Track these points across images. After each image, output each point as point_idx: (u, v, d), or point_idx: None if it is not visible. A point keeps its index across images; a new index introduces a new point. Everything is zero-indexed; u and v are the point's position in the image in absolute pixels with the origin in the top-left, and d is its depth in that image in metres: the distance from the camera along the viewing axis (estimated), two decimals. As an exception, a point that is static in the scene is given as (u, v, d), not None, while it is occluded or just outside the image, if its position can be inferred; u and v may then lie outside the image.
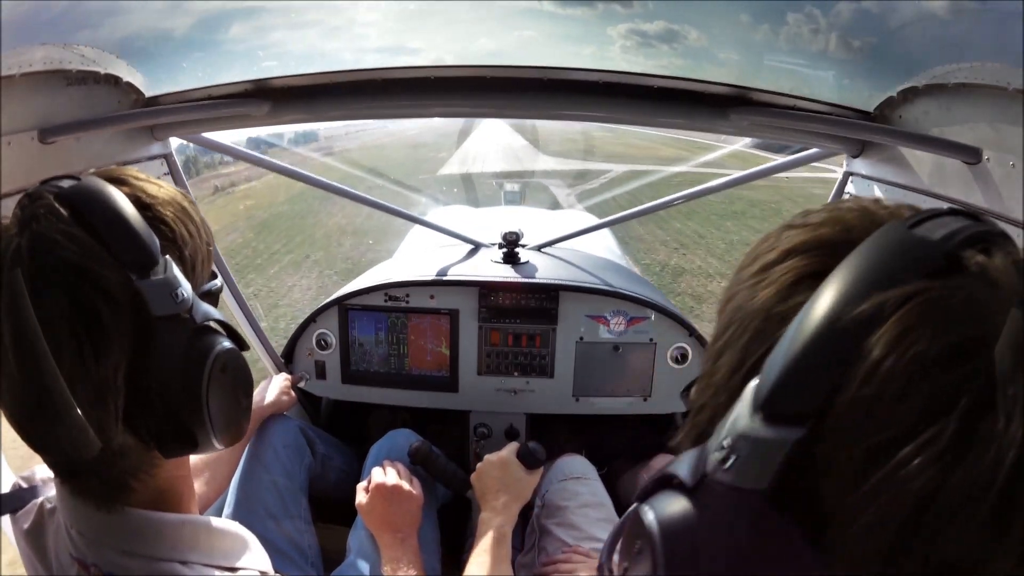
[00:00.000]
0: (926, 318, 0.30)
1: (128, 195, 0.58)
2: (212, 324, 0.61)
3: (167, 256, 0.57)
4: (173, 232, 0.61)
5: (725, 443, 0.35)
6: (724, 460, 0.34)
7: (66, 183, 0.56)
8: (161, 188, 0.63)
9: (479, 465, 1.30)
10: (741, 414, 0.34)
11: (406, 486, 1.27)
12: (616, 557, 0.43)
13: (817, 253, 0.37)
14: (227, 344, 0.61)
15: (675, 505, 0.37)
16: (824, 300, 0.33)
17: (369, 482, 1.27)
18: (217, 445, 0.61)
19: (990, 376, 0.28)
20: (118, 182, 0.59)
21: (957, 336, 0.29)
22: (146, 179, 0.62)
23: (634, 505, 0.40)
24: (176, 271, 0.57)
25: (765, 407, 0.33)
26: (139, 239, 0.55)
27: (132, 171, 0.63)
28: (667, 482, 0.39)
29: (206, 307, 0.61)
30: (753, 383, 0.35)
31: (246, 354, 0.66)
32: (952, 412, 0.28)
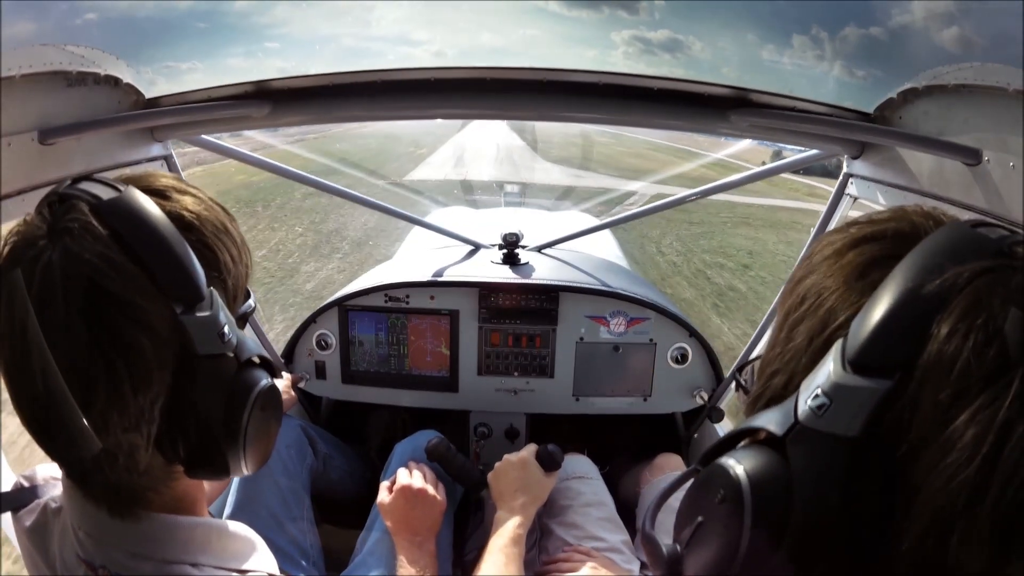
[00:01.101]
0: (993, 289, 0.35)
1: (169, 212, 0.55)
2: (254, 358, 0.60)
3: (212, 289, 0.55)
4: (217, 260, 0.58)
5: (818, 392, 0.38)
6: (819, 408, 0.38)
7: (101, 191, 0.52)
8: (202, 202, 0.60)
9: (498, 465, 1.30)
10: (830, 369, 0.38)
11: (431, 491, 1.26)
12: (675, 517, 0.47)
13: (887, 241, 0.43)
14: (267, 381, 0.60)
15: (762, 455, 0.41)
16: (905, 273, 0.38)
17: (393, 482, 1.27)
18: (246, 472, 0.61)
19: None
20: (157, 194, 0.56)
21: (1018, 303, 0.34)
22: (186, 189, 0.59)
23: (694, 467, 0.46)
24: (221, 307, 0.56)
25: (856, 361, 0.37)
26: (184, 270, 0.52)
27: (169, 179, 0.60)
28: (741, 437, 0.44)
29: (248, 343, 0.59)
30: (838, 343, 0.39)
31: None
32: (1018, 369, 0.33)
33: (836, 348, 0.39)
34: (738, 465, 0.41)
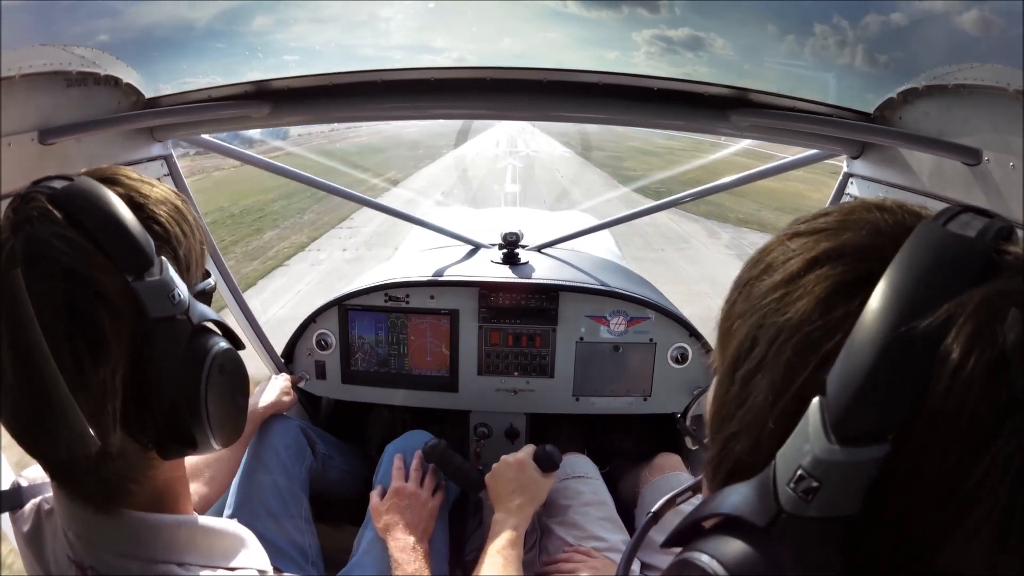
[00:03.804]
0: (994, 316, 0.31)
1: (121, 195, 0.57)
2: (209, 324, 0.61)
3: (162, 257, 0.57)
4: (167, 232, 0.60)
5: (800, 473, 0.32)
6: (806, 493, 0.32)
7: (59, 184, 0.55)
8: (154, 188, 0.62)
9: (495, 466, 1.30)
10: (812, 439, 0.32)
11: (424, 494, 1.27)
12: None
13: (850, 260, 0.36)
14: (224, 344, 0.61)
15: (744, 551, 0.34)
16: (887, 309, 0.32)
17: (386, 487, 1.27)
18: (215, 445, 0.61)
19: None
20: (111, 182, 0.59)
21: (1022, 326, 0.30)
22: (139, 178, 0.62)
23: (678, 554, 0.38)
24: (172, 272, 0.57)
25: (842, 428, 0.31)
26: (134, 240, 0.54)
27: (125, 170, 0.62)
28: (725, 526, 0.37)
29: (202, 308, 0.61)
30: (816, 403, 0.33)
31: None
32: None
33: (814, 411, 0.32)
34: (715, 564, 0.35)
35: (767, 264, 0.40)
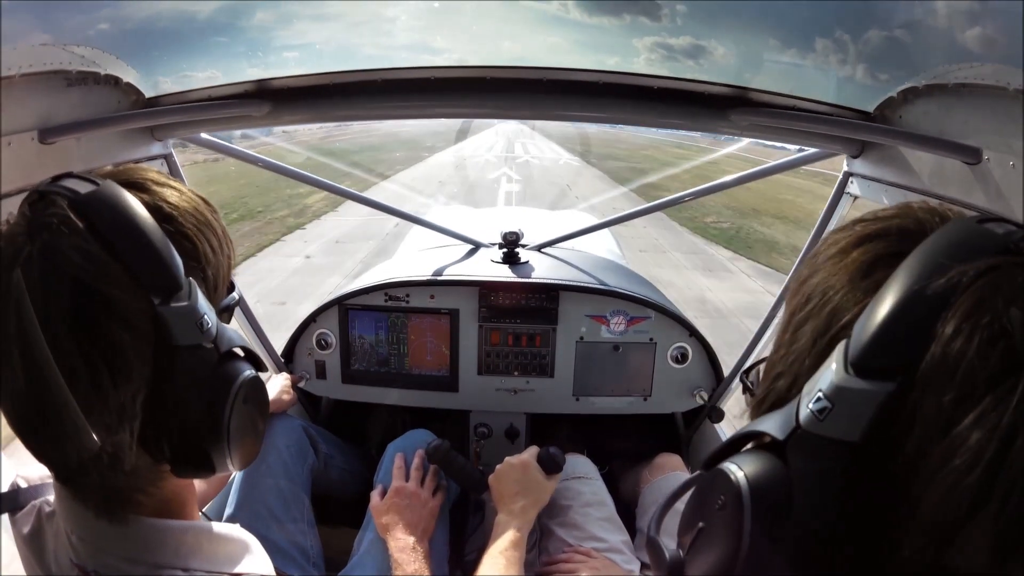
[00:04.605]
0: (998, 287, 0.34)
1: (148, 204, 0.54)
2: (236, 350, 0.60)
3: (190, 278, 0.55)
4: (196, 250, 0.57)
5: (820, 394, 0.38)
6: (820, 412, 0.37)
7: (81, 187, 0.52)
8: (183, 195, 0.59)
9: (499, 467, 1.30)
10: (832, 371, 0.38)
11: (424, 494, 1.27)
12: (679, 521, 0.47)
13: (892, 239, 0.42)
14: (250, 373, 0.59)
15: (763, 461, 0.40)
16: (909, 272, 0.37)
17: (386, 486, 1.27)
18: (232, 469, 0.60)
19: None
20: (136, 187, 0.56)
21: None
22: (166, 182, 0.59)
23: (698, 473, 0.45)
24: (200, 297, 0.55)
25: (858, 363, 0.37)
26: (162, 260, 0.52)
27: (151, 173, 0.60)
28: (744, 441, 0.44)
29: (229, 333, 0.59)
30: (841, 345, 0.38)
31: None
32: None
33: (839, 350, 0.38)
34: (739, 470, 0.41)
35: (832, 240, 0.46)
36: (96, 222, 0.50)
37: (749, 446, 0.44)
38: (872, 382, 0.36)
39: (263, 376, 0.64)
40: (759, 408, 0.47)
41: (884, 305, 0.37)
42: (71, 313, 0.48)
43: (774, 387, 0.45)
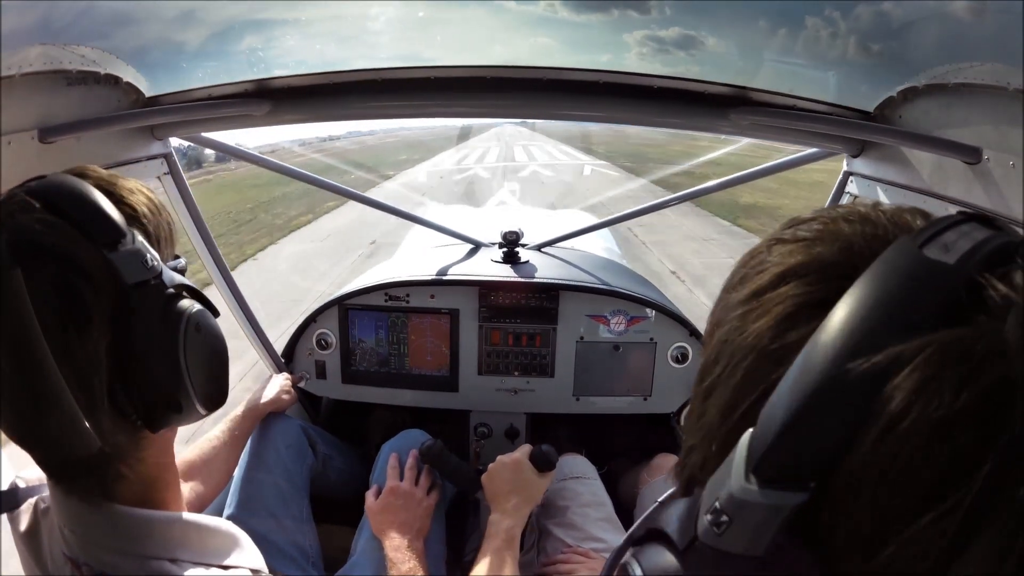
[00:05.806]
0: (949, 365, 0.26)
1: (91, 182, 0.61)
2: (183, 291, 0.63)
3: (133, 229, 0.60)
4: (135, 210, 0.64)
5: (716, 505, 0.31)
6: (716, 525, 0.31)
7: (35, 182, 0.59)
8: (122, 178, 0.66)
9: (491, 466, 1.29)
10: (734, 472, 0.31)
11: (419, 493, 1.27)
12: None
13: (815, 278, 0.33)
14: (197, 305, 0.63)
15: (663, 564, 0.35)
16: (829, 344, 0.29)
17: (381, 486, 1.27)
18: (200, 410, 0.63)
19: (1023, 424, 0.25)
20: (81, 175, 0.63)
21: (986, 382, 0.26)
22: (108, 173, 0.66)
23: (628, 552, 0.39)
24: (143, 241, 0.61)
25: (761, 468, 0.30)
26: (106, 215, 0.58)
27: (93, 168, 0.66)
28: (657, 536, 0.37)
29: (174, 273, 0.63)
30: (747, 436, 0.31)
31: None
32: (979, 470, 0.25)
33: (743, 444, 0.31)
34: (637, 567, 0.36)
35: (744, 274, 0.37)
36: (50, 198, 0.57)
37: (656, 533, 0.38)
38: (778, 493, 0.29)
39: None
40: (678, 479, 0.40)
41: (796, 390, 0.29)
42: (41, 278, 0.53)
43: (688, 462, 0.39)
